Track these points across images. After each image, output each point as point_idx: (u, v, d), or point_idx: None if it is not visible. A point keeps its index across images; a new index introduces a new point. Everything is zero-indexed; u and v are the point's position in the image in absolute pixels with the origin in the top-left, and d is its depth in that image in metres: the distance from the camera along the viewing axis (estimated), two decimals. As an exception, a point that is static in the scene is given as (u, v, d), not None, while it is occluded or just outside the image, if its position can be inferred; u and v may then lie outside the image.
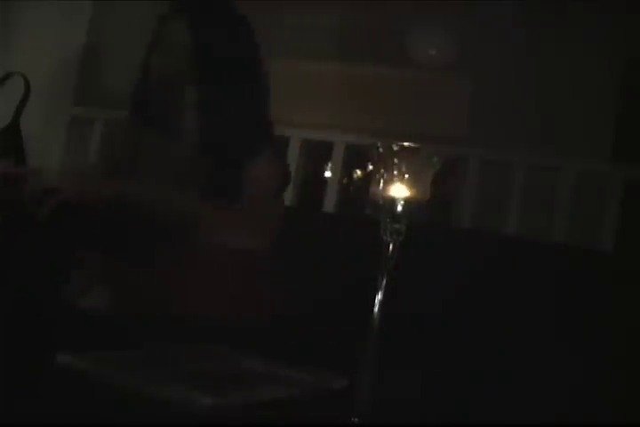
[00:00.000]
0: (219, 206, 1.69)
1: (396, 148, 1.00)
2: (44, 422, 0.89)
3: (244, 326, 1.51)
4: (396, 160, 0.99)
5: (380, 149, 1.00)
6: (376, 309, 1.01)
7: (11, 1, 3.45)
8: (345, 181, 4.17)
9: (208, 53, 1.70)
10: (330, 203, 3.41)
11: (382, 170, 1.00)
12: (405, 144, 1.00)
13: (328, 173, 3.62)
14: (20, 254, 1.62)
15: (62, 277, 1.60)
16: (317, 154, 4.12)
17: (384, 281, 1.01)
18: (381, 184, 1.00)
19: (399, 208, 1.00)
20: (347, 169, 4.05)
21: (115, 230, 1.67)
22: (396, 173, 0.99)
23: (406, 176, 1.00)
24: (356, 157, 3.77)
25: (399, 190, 1.00)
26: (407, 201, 1.00)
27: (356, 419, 0.99)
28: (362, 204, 1.04)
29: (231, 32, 1.73)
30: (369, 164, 3.59)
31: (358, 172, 4.91)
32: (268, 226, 1.70)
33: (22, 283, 1.55)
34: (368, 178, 1.05)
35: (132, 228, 1.67)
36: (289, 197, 2.99)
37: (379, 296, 1.00)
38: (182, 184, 1.73)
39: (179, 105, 1.72)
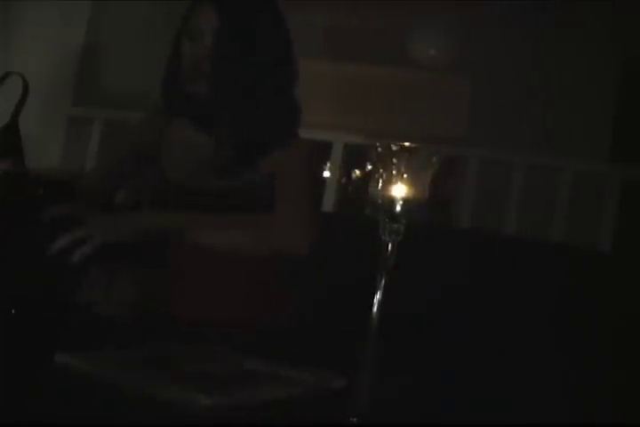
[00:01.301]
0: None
1: (394, 147, 1.00)
2: (44, 423, 0.89)
3: (249, 328, 1.51)
4: (394, 160, 0.99)
5: (379, 149, 1.00)
6: (375, 309, 1.01)
7: (11, 1, 3.45)
8: (344, 180, 4.16)
9: (238, 37, 1.68)
10: (329, 203, 3.42)
11: (381, 170, 1.00)
12: (404, 144, 1.00)
13: (327, 173, 3.62)
14: (20, 257, 1.61)
15: (68, 279, 1.59)
16: (316, 154, 4.12)
17: (383, 281, 1.00)
18: (380, 184, 1.00)
19: (398, 208, 1.00)
20: (346, 169, 4.05)
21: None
22: (394, 172, 0.99)
23: (405, 176, 0.99)
24: (354, 156, 3.77)
25: (398, 190, 0.99)
26: (406, 201, 1.00)
27: (355, 419, 0.99)
28: (361, 204, 1.04)
29: (260, 15, 1.71)
30: (368, 163, 3.58)
31: (357, 171, 4.91)
32: (302, 224, 1.68)
33: (23, 283, 1.54)
34: (367, 178, 1.04)
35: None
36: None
37: (378, 296, 1.00)
38: (207, 174, 1.72)
39: (209, 92, 1.71)
